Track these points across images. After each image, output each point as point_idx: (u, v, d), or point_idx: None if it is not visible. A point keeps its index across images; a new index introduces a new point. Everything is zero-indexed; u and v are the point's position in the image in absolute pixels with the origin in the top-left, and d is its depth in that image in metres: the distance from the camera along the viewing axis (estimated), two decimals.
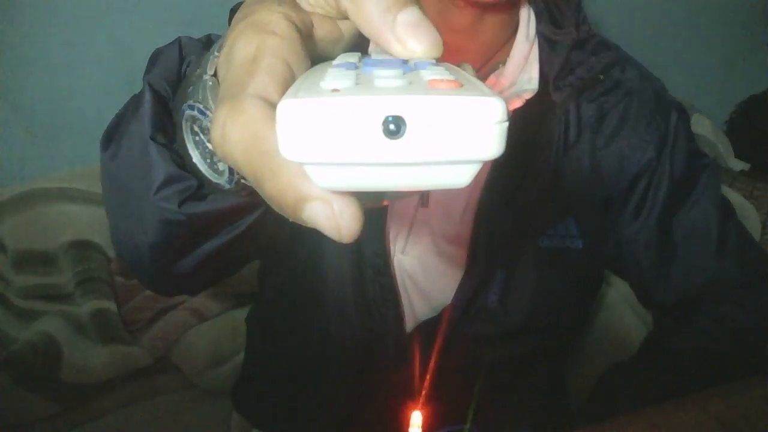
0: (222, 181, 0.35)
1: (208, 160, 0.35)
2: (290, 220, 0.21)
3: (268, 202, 0.21)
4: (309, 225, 0.20)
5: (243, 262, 0.59)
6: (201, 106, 0.32)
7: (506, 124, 0.18)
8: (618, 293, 1.04)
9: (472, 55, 0.63)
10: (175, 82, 0.40)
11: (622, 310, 1.03)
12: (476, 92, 0.18)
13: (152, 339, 1.04)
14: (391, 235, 0.64)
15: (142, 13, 1.07)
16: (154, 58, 0.42)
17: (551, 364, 0.78)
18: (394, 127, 0.17)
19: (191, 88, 0.34)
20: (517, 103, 0.61)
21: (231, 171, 0.33)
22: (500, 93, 0.62)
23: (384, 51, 0.23)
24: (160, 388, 1.07)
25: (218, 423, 0.98)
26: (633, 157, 0.64)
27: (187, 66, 0.40)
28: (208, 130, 0.32)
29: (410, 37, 0.22)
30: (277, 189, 0.20)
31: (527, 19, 0.64)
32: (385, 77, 0.20)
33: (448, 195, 0.63)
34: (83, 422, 1.01)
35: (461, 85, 0.19)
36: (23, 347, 0.95)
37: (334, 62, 0.23)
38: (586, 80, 0.62)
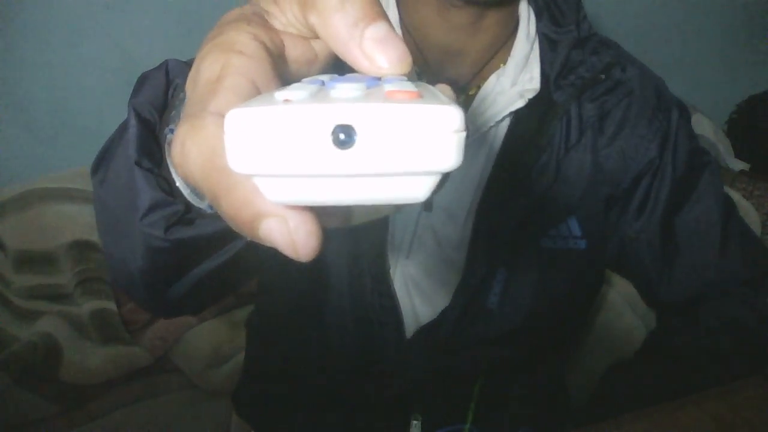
0: (204, 205, 0.34)
1: (191, 185, 0.35)
2: (248, 239, 0.21)
3: (226, 221, 0.21)
4: (266, 243, 0.20)
5: (241, 282, 0.59)
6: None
7: (464, 134, 0.17)
8: (618, 293, 1.04)
9: (473, 56, 0.63)
10: (161, 106, 0.40)
11: (622, 310, 1.03)
12: (432, 101, 0.18)
13: (152, 339, 1.04)
14: (395, 241, 0.64)
15: (142, 13, 1.07)
16: (141, 83, 0.41)
17: (551, 364, 0.78)
18: (345, 137, 0.17)
19: (174, 112, 0.33)
20: (519, 104, 0.61)
21: None
22: (502, 93, 0.62)
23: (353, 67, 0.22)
24: (160, 388, 1.07)
25: (218, 423, 0.98)
26: (635, 156, 0.64)
27: (174, 90, 0.40)
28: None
29: (377, 52, 0.21)
30: (232, 206, 0.20)
31: (527, 18, 0.64)
32: (342, 89, 0.19)
33: (452, 198, 0.63)
34: (83, 422, 1.01)
35: (420, 96, 0.19)
36: (23, 347, 0.95)
37: (304, 80, 0.23)
38: (587, 80, 0.62)
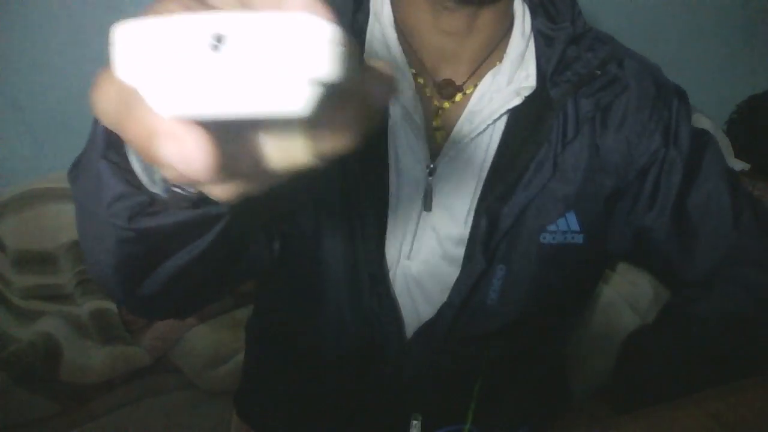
0: (158, 189, 0.36)
1: (147, 171, 0.36)
2: (154, 165, 0.22)
3: (137, 153, 0.22)
4: (165, 163, 0.21)
5: (228, 283, 0.59)
6: None
7: (340, 47, 0.18)
8: (617, 292, 1.04)
9: (468, 56, 0.63)
10: None
11: (622, 310, 1.03)
12: (308, 14, 0.18)
13: (152, 339, 1.04)
14: (395, 241, 0.64)
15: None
16: None
17: (550, 361, 0.78)
18: (218, 42, 0.18)
19: None
20: (516, 101, 0.61)
21: (165, 179, 0.35)
22: (498, 91, 0.62)
23: None
24: (160, 388, 1.07)
25: (218, 423, 0.98)
26: (639, 147, 0.64)
27: None
28: None
29: (294, 6, 0.21)
30: (134, 132, 0.21)
31: (522, 16, 0.64)
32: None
33: (451, 197, 0.63)
34: (83, 422, 1.01)
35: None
36: (23, 347, 0.95)
37: None
38: (583, 76, 0.62)
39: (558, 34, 0.63)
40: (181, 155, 0.20)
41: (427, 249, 0.64)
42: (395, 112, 0.62)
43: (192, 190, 0.34)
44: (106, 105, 0.22)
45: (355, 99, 0.24)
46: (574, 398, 0.83)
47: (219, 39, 0.18)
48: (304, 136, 0.22)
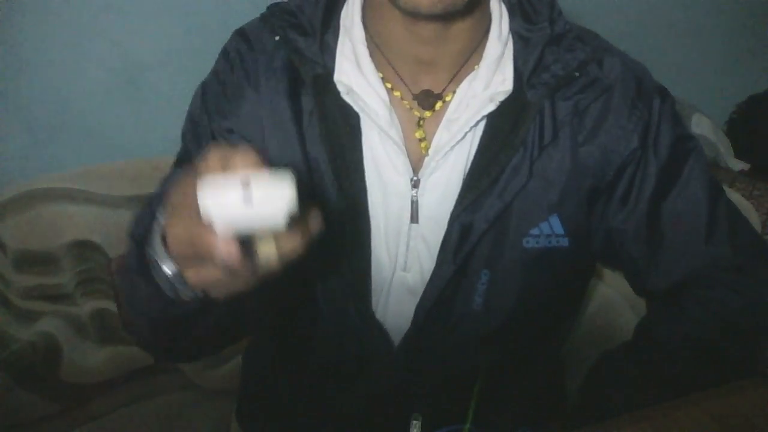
0: (170, 291, 0.49)
1: (165, 283, 0.49)
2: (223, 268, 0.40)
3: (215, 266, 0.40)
4: (218, 261, 0.38)
5: (239, 332, 0.68)
6: (152, 249, 0.48)
7: (291, 190, 0.37)
8: (618, 293, 1.04)
9: (445, 63, 0.62)
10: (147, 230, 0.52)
11: (622, 310, 1.03)
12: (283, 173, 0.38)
13: None
14: (389, 254, 0.64)
15: (142, 13, 1.07)
16: (138, 217, 0.57)
17: (548, 362, 0.78)
18: (246, 186, 0.37)
19: (153, 235, 0.48)
20: (490, 107, 0.60)
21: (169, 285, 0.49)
22: (474, 97, 0.60)
23: None
24: (160, 388, 1.07)
25: (218, 423, 0.98)
26: (617, 148, 0.63)
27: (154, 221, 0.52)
28: (156, 262, 0.48)
29: None
30: (201, 247, 0.38)
31: (499, 17, 0.63)
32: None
33: (437, 206, 0.62)
34: (83, 422, 1.01)
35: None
36: (23, 347, 0.95)
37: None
38: (561, 78, 0.61)
39: (535, 35, 0.62)
40: (227, 255, 0.38)
41: (420, 260, 0.64)
42: (371, 130, 0.61)
43: (199, 294, 0.48)
44: (178, 235, 0.40)
45: (301, 225, 0.40)
46: (570, 401, 0.82)
47: (246, 185, 0.37)
48: (275, 246, 0.39)
